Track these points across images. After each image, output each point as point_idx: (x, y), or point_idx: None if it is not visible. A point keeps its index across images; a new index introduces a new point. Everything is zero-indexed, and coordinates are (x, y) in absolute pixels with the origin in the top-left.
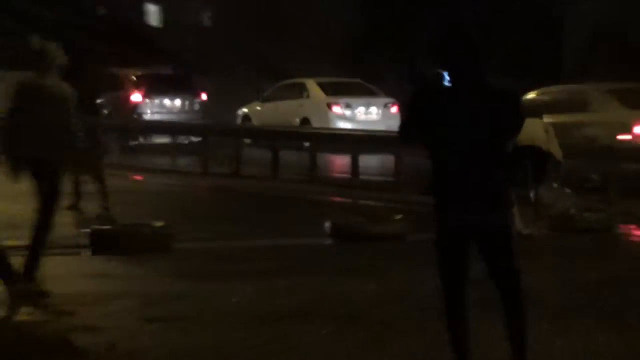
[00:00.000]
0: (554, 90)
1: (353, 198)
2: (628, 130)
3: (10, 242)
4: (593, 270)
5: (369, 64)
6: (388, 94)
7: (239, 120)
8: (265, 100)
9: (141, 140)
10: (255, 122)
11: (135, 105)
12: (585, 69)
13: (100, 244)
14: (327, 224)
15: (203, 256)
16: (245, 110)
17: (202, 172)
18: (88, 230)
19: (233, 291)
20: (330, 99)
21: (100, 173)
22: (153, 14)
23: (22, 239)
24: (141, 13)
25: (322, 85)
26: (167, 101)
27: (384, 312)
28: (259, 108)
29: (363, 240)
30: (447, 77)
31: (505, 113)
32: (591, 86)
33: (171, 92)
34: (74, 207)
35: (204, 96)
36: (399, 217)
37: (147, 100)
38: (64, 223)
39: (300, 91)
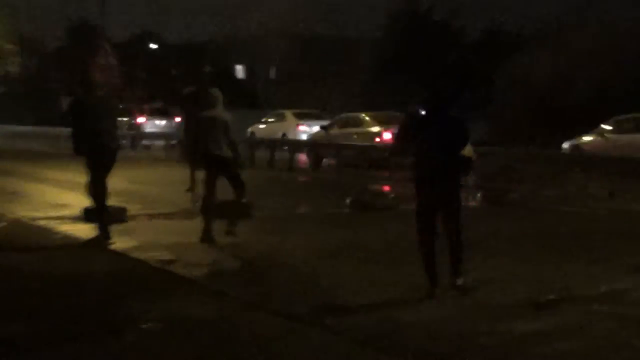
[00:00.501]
0: (345, 116)
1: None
2: (379, 137)
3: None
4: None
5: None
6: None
7: (247, 135)
8: (262, 123)
9: None
10: (257, 136)
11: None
12: None
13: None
14: (348, 199)
15: (272, 221)
16: (251, 129)
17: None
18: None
19: (291, 241)
20: (299, 122)
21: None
22: (239, 71)
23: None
24: (232, 70)
25: (295, 114)
26: None
27: (384, 251)
28: (260, 127)
29: (370, 210)
30: (422, 111)
31: (458, 132)
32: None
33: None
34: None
35: None
36: (392, 195)
37: None
38: (184, 200)
39: (282, 117)
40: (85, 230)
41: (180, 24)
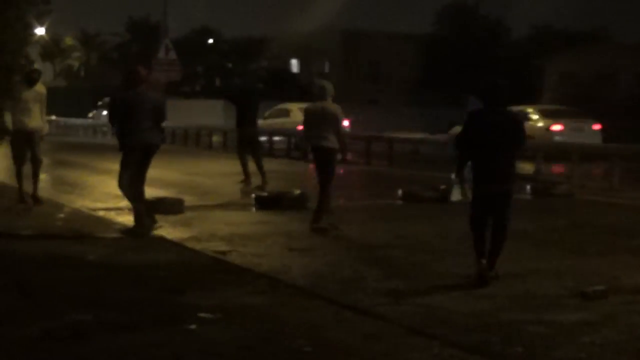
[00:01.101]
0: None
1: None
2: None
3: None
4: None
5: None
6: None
7: None
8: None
9: None
10: None
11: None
12: None
13: (261, 204)
14: (399, 191)
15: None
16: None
17: None
18: (253, 195)
19: (345, 232)
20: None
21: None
22: (294, 65)
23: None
24: (288, 64)
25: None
26: None
27: (435, 242)
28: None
29: (421, 201)
30: (479, 106)
31: (516, 130)
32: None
33: None
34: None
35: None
36: (443, 186)
37: None
38: (237, 192)
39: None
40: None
41: (237, 19)
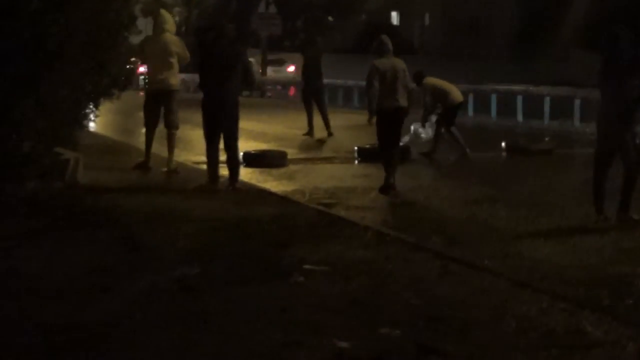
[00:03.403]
0: None
1: None
2: None
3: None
4: None
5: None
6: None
7: None
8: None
9: None
10: None
11: None
12: None
13: (363, 156)
14: (503, 143)
15: (428, 164)
16: None
17: None
18: (356, 148)
19: (447, 186)
20: None
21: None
22: (394, 17)
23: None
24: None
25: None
26: None
27: (540, 197)
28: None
29: (526, 154)
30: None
31: None
32: None
33: None
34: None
35: None
36: (547, 139)
37: None
38: (340, 145)
39: None
40: (247, 175)
41: None
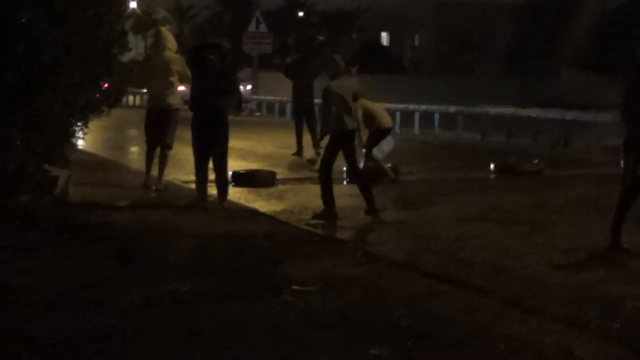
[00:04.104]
0: None
1: None
2: None
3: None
4: None
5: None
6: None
7: None
8: None
9: None
10: None
11: None
12: None
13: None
14: (492, 164)
15: (418, 183)
16: None
17: None
18: (344, 168)
19: (438, 204)
20: None
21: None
22: (384, 38)
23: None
24: (378, 36)
25: None
26: None
27: (530, 216)
28: None
29: (516, 174)
30: None
31: None
32: None
33: None
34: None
35: None
36: (536, 160)
37: None
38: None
39: None
40: (235, 194)
41: None
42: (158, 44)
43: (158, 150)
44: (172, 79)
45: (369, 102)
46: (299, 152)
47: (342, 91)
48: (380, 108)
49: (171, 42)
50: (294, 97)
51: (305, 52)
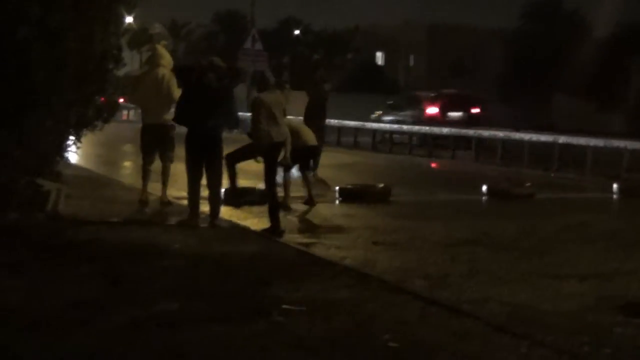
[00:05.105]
0: None
1: None
2: None
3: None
4: None
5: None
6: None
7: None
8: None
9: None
10: None
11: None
12: None
13: (345, 197)
14: (484, 187)
15: (409, 205)
16: None
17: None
18: (337, 188)
19: (428, 227)
20: None
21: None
22: (379, 58)
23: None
24: (373, 57)
25: None
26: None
27: (520, 241)
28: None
29: (507, 198)
30: None
31: None
32: None
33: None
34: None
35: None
36: (528, 184)
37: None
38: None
39: None
40: (227, 212)
41: (325, 11)
42: (153, 60)
43: (154, 166)
44: (166, 95)
45: (295, 121)
46: None
47: (271, 103)
48: (304, 128)
49: (166, 59)
50: (306, 117)
51: (319, 75)
